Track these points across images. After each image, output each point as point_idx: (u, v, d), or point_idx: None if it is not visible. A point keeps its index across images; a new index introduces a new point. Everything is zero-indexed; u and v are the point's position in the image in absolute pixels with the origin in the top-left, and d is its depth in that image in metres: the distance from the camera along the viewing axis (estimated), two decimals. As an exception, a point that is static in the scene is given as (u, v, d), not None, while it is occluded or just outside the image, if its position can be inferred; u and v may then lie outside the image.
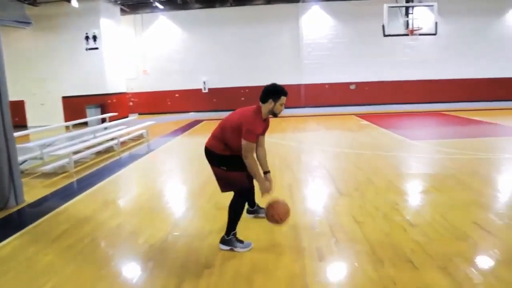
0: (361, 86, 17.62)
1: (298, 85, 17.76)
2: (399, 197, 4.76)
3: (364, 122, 12.35)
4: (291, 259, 3.23)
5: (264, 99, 3.30)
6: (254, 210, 4.15)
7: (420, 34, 13.42)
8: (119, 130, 9.92)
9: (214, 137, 3.46)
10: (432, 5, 12.95)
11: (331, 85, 17.71)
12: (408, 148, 8.16)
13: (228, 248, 3.39)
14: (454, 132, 10.48)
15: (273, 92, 3.30)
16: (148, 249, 3.54)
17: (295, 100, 17.65)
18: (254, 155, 3.39)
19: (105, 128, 10.43)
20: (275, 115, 3.36)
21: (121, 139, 9.25)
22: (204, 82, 18.08)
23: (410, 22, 13.10)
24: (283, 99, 3.31)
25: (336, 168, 6.51)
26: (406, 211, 4.29)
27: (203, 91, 18.14)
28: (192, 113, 17.78)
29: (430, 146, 8.13)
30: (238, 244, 3.39)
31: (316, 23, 17.43)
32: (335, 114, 15.15)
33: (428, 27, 13.13)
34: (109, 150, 8.72)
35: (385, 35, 12.83)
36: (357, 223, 3.96)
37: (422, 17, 13.87)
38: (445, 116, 13.55)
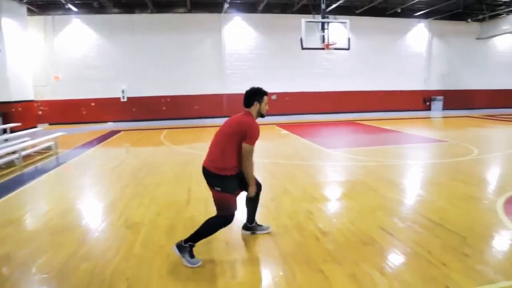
0: (282, 96, 18.12)
1: (221, 95, 17.72)
2: (312, 206, 4.84)
3: (284, 131, 12.65)
4: (202, 277, 3.06)
5: (249, 103, 3.40)
6: (252, 227, 3.96)
7: (335, 49, 14.23)
8: (22, 142, 8.90)
9: (212, 158, 3.34)
10: (345, 22, 13.78)
11: (254, 95, 17.92)
12: (324, 157, 8.47)
13: (179, 255, 3.25)
14: (365, 140, 11.16)
15: (255, 94, 3.39)
16: (41, 280, 3.11)
17: (218, 109, 17.59)
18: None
19: (6, 140, 9.30)
20: (262, 115, 3.46)
21: (24, 152, 8.31)
22: (123, 91, 17.16)
23: (326, 37, 13.79)
24: (265, 98, 3.44)
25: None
26: (319, 220, 4.35)
27: (122, 100, 17.21)
28: (110, 123, 16.77)
29: (343, 154, 8.53)
30: (188, 257, 3.24)
31: (238, 33, 17.59)
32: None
33: (342, 43, 13.93)
34: (9, 164, 7.76)
35: (303, 48, 13.34)
36: (271, 235, 3.92)
37: (336, 33, 14.75)
38: (357, 125, 14.45)
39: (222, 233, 3.94)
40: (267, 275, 3.17)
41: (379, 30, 18.67)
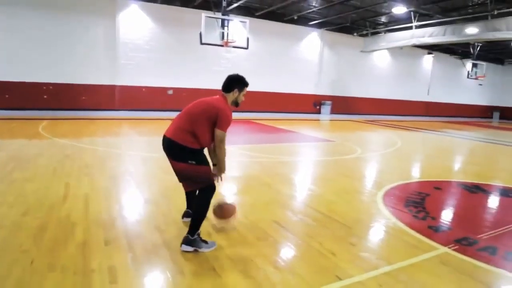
0: (179, 91, 17.56)
1: (113, 86, 16.40)
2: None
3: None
4: (74, 284, 2.58)
5: (229, 89, 3.29)
6: None
7: (234, 47, 14.25)
8: None
9: (180, 129, 3.14)
10: (245, 22, 13.89)
11: (149, 88, 17.04)
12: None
13: (192, 249, 3.12)
14: (260, 138, 11.37)
15: (238, 81, 3.31)
16: None
17: (108, 102, 16.27)
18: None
19: None
20: (237, 105, 3.36)
21: None
22: (-8, 74, 14.71)
23: (225, 34, 13.71)
24: (245, 89, 3.37)
25: (144, 173, 6.00)
26: (212, 216, 4.13)
27: (-9, 84, 14.74)
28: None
29: (239, 151, 8.47)
30: (203, 245, 3.17)
31: (134, 23, 16.47)
32: (151, 119, 14.58)
33: (241, 42, 14.01)
34: None
35: (202, 43, 13.07)
36: (159, 231, 3.57)
37: (236, 31, 14.78)
38: (253, 123, 14.71)
39: (103, 233, 3.47)
40: (151, 276, 2.82)
41: (277, 34, 19.37)
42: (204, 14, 13.04)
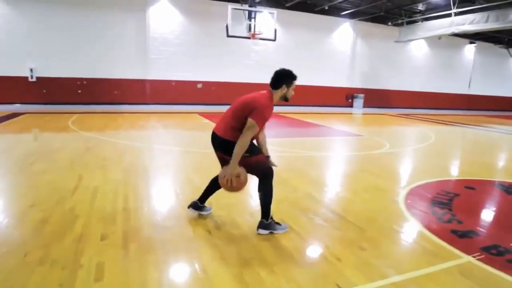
0: (208, 85, 17.54)
1: (143, 80, 16.64)
2: (212, 197, 4.42)
3: (206, 121, 12.13)
4: (59, 280, 2.48)
5: (277, 85, 3.23)
6: (202, 206, 3.72)
7: (261, 39, 13.96)
8: None
9: (228, 126, 3.18)
10: (272, 13, 13.58)
11: (178, 82, 17.14)
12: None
13: (267, 232, 3.32)
14: (286, 132, 11.07)
15: (286, 76, 3.24)
16: None
17: (139, 96, 16.54)
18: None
19: None
20: (286, 100, 3.32)
21: None
22: (32, 70, 15.32)
23: (252, 26, 13.46)
24: (294, 83, 3.30)
25: (159, 167, 5.91)
26: (216, 212, 3.94)
27: (30, 79, 15.36)
28: (17, 104, 14.89)
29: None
30: (278, 227, 3.38)
31: (164, 17, 16.60)
32: (179, 112, 14.62)
33: (269, 34, 13.72)
34: None
35: (228, 36, 12.90)
36: (159, 228, 3.42)
37: (263, 23, 14.51)
38: (281, 117, 14.41)
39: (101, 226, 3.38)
40: (135, 279, 2.67)
41: (307, 25, 18.89)
42: (230, 6, 12.85)
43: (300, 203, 4.42)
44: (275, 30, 13.41)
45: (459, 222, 3.99)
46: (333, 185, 5.29)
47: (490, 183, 5.81)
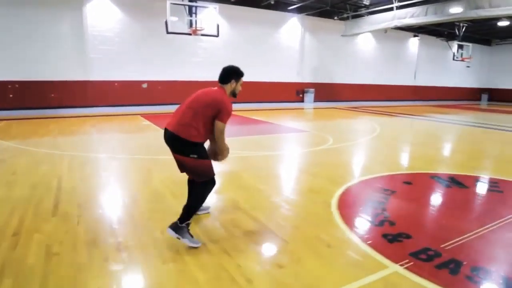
0: (154, 84, 16.71)
1: (83, 82, 15.50)
2: (150, 206, 3.86)
3: (146, 122, 11.41)
4: None
5: (225, 80, 3.29)
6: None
7: (203, 35, 13.36)
8: None
9: (183, 123, 3.08)
10: (215, 7, 13.03)
11: (122, 83, 16.16)
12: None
13: (176, 236, 3.02)
14: (227, 131, 10.60)
15: (234, 72, 3.30)
16: None
17: (79, 99, 15.41)
18: None
19: None
20: (235, 95, 3.36)
21: None
22: (-48, 73, 13.79)
23: (193, 21, 12.83)
24: (242, 79, 3.37)
25: (72, 179, 5.24)
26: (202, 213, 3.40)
27: (-49, 84, 13.83)
28: None
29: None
30: (188, 236, 3.06)
31: (103, 14, 15.53)
32: (121, 114, 13.75)
33: (212, 29, 13.15)
34: None
35: (168, 32, 12.21)
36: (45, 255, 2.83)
37: (208, 18, 13.92)
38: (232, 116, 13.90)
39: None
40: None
41: (255, 20, 18.48)
42: (169, 1, 12.14)
43: (223, 211, 3.97)
44: (218, 26, 12.87)
45: (392, 223, 3.71)
46: (263, 189, 4.87)
47: (429, 176, 5.65)
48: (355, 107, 18.75)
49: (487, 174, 5.89)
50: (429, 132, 11.14)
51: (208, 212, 3.87)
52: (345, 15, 18.76)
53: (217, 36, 13.20)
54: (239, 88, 3.38)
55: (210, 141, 3.43)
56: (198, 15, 13.32)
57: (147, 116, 13.01)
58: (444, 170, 6.09)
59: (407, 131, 11.51)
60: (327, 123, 12.56)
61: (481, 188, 5.18)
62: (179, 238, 3.02)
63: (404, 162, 6.89)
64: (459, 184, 5.20)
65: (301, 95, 20.73)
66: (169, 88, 17.06)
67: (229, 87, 3.31)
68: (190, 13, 12.81)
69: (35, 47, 14.58)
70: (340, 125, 12.32)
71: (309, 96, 20.55)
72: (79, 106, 15.27)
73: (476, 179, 5.53)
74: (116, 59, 15.89)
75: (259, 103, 18.78)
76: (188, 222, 3.09)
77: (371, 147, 8.15)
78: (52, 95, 15.19)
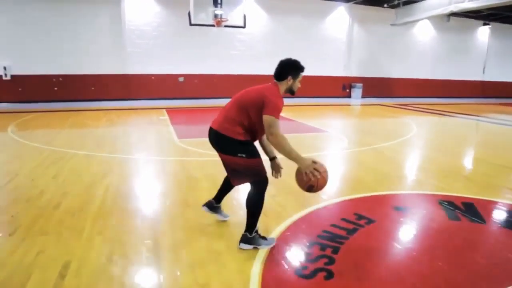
0: (190, 78, 16.31)
1: (120, 75, 15.58)
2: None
3: (163, 117, 10.88)
4: None
5: (282, 76, 2.89)
6: (217, 207, 3.39)
7: (227, 26, 12.46)
8: None
9: (229, 120, 2.81)
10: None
11: (158, 76, 15.99)
12: (166, 149, 6.84)
13: (251, 247, 2.87)
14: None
15: (292, 67, 2.89)
16: None
17: (116, 92, 15.54)
18: None
19: None
20: (292, 93, 2.97)
21: None
22: (5, 68, 14.58)
23: (218, 12, 12.04)
24: (301, 75, 2.95)
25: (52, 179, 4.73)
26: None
27: (4, 78, 14.64)
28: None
29: (188, 147, 6.92)
30: (262, 241, 2.91)
31: (140, 7, 15.42)
32: (159, 107, 13.41)
33: (241, 21, 12.26)
34: None
35: (191, 24, 11.57)
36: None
37: (238, 9, 13.06)
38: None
39: None
40: None
41: (297, 11, 17.21)
42: (193, -9, 11.49)
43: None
44: (244, 16, 11.94)
45: (328, 277, 2.56)
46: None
47: (436, 200, 4.24)
48: (407, 104, 16.66)
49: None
50: (477, 138, 9.20)
51: (225, 220, 3.48)
52: (396, 2, 16.68)
53: (244, 27, 12.30)
54: (297, 85, 2.94)
55: (262, 145, 3.11)
56: (226, 6, 12.47)
57: (176, 111, 12.52)
58: (464, 192, 4.58)
59: (449, 134, 9.59)
60: (359, 122, 11.10)
61: (506, 223, 3.69)
62: (256, 248, 2.87)
63: (419, 177, 5.41)
64: (473, 216, 3.75)
65: (347, 90, 19.07)
66: (206, 82, 16.57)
67: (285, 84, 2.88)
68: (215, 3, 12.01)
69: (77, 42, 14.93)
70: (372, 125, 10.76)
71: (356, 92, 18.81)
72: (115, 99, 15.40)
73: (495, 206, 4.01)
74: (153, 53, 15.75)
75: (302, 98, 17.56)
76: (256, 229, 2.89)
77: (389, 154, 6.70)
78: (92, 88, 15.49)
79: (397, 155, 6.73)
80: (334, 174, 5.31)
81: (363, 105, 16.46)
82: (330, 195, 4.27)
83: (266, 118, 2.66)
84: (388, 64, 19.43)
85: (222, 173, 3.26)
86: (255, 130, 2.85)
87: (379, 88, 19.34)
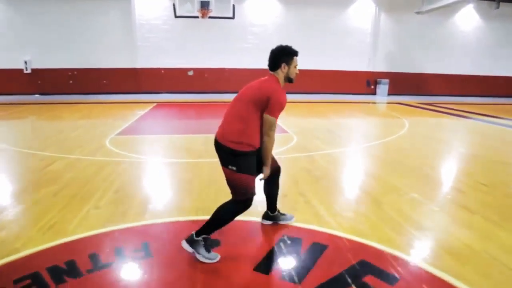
0: (200, 72, 15.69)
1: (131, 69, 15.44)
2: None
3: (140, 111, 10.32)
4: None
5: (275, 65, 2.65)
6: (275, 216, 3.14)
7: (210, 17, 11.45)
8: None
9: (228, 127, 2.57)
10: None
11: (168, 70, 15.59)
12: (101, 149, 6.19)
13: (191, 250, 2.57)
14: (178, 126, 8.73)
15: (284, 53, 2.66)
16: None
17: (128, 85, 15.45)
18: None
19: None
20: (291, 81, 2.71)
21: None
22: (26, 62, 15.10)
23: (205, 3, 11.17)
24: (296, 59, 2.70)
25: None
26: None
27: (25, 71, 15.17)
28: (15, 96, 14.85)
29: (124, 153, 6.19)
30: (204, 252, 2.55)
31: (150, 1, 15.10)
32: (167, 102, 13.04)
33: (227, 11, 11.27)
34: None
35: (176, 16, 10.85)
36: None
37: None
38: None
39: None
40: None
41: (315, 0, 15.79)
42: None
43: None
44: (233, 6, 10.93)
45: None
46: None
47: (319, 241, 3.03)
48: (429, 103, 14.46)
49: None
50: (482, 148, 7.36)
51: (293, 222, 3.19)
52: (426, -13, 14.56)
53: (233, 18, 11.28)
54: (294, 71, 2.69)
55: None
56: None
57: (176, 104, 11.99)
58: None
59: (446, 142, 7.82)
60: (348, 122, 9.62)
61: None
62: (194, 254, 2.57)
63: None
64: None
65: (372, 87, 17.22)
66: (216, 75, 15.87)
67: (280, 73, 2.66)
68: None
69: (89, 37, 15.12)
70: (357, 125, 9.25)
71: (382, 88, 16.92)
72: (124, 92, 15.32)
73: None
74: (163, 47, 15.44)
75: (323, 94, 16.20)
76: (206, 236, 2.58)
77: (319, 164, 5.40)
78: (104, 81, 15.55)
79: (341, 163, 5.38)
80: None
81: (389, 103, 14.61)
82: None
83: (268, 118, 2.52)
84: (420, 58, 17.15)
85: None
86: (257, 130, 2.57)
87: (408, 84, 17.20)
